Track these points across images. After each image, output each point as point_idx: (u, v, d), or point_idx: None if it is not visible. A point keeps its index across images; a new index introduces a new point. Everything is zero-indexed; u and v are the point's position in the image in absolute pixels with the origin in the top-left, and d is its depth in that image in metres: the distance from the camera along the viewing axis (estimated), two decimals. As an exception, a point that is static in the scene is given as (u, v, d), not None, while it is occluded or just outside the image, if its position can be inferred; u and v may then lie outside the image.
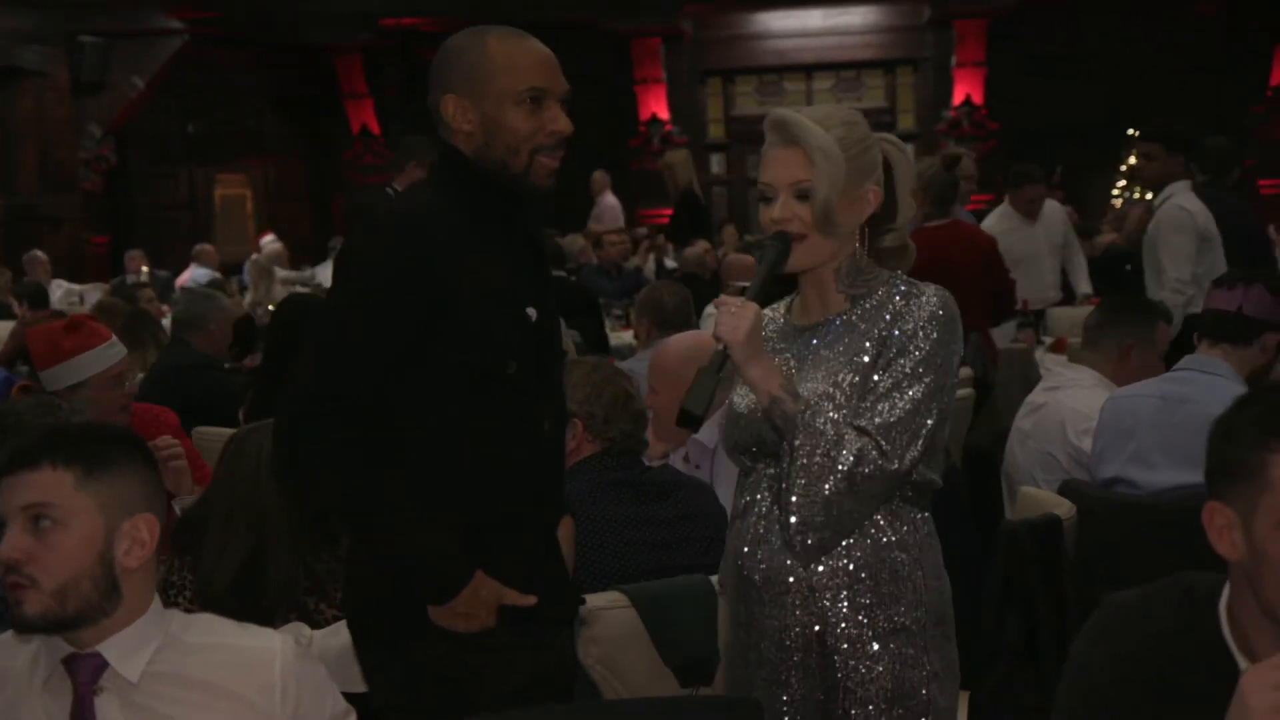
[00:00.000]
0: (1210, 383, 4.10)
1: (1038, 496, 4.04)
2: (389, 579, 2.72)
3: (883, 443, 2.55)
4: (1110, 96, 16.78)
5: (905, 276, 2.71)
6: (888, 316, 2.64)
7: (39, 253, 13.38)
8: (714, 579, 3.33)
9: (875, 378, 2.61)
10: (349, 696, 2.55)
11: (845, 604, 2.64)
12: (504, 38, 2.76)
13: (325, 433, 2.64)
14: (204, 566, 3.39)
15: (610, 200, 15.42)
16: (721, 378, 2.63)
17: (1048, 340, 7.78)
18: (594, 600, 3.21)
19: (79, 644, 2.29)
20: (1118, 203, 15.13)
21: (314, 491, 2.92)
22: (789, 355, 2.76)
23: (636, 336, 6.62)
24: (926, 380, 2.59)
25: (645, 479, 3.58)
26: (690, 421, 2.62)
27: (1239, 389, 3.94)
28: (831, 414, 2.60)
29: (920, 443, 2.58)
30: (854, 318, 2.69)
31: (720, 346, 2.63)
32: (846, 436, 2.56)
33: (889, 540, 2.65)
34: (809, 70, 18.54)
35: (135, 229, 16.84)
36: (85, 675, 2.28)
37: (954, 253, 6.63)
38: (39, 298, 10.17)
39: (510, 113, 2.72)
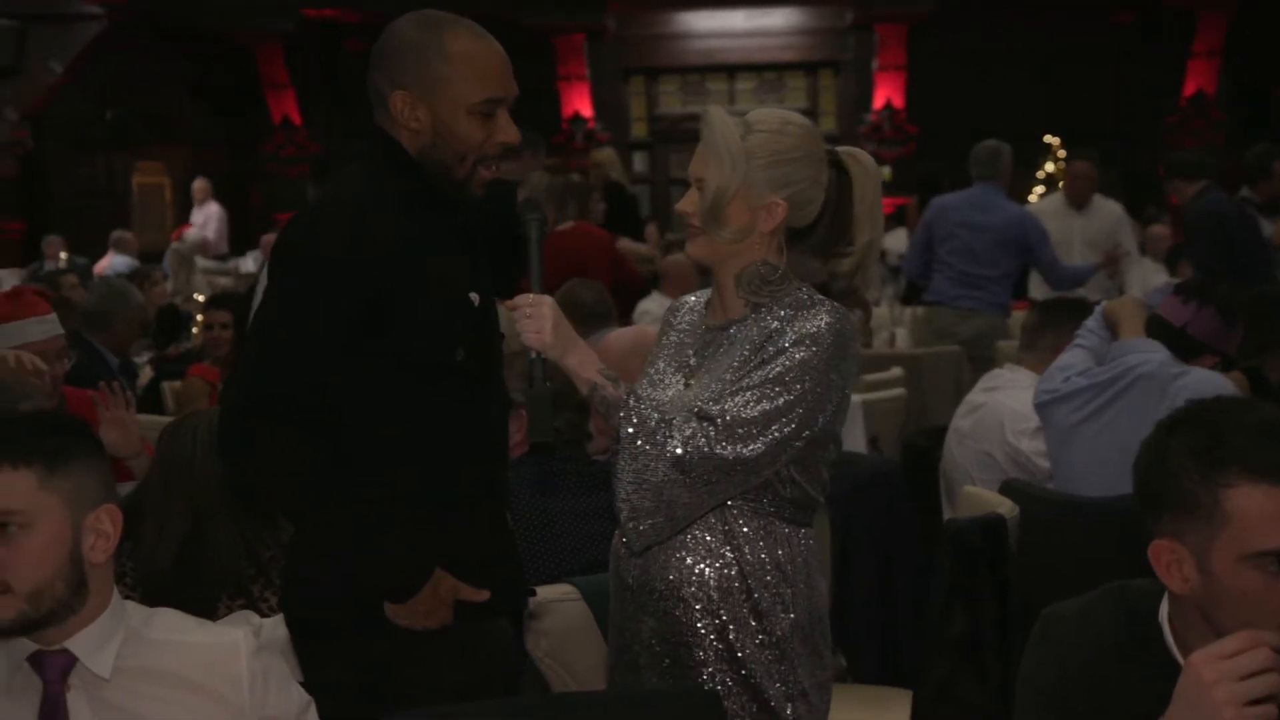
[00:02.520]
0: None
1: (980, 495, 4.03)
2: (336, 575, 2.67)
3: (719, 431, 2.52)
4: (1028, 103, 16.96)
5: (814, 292, 2.68)
6: (773, 327, 2.63)
7: (-49, 237, 13.18)
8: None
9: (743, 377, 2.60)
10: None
11: (715, 616, 2.64)
12: (460, 36, 2.70)
13: (275, 435, 2.59)
14: (143, 552, 3.36)
15: (213, 209, 15.57)
16: (549, 389, 2.65)
17: None
18: (544, 593, 3.19)
19: (44, 641, 2.23)
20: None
21: (266, 495, 2.89)
22: (691, 351, 2.76)
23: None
24: (795, 390, 2.55)
25: (593, 470, 3.55)
26: (545, 451, 2.63)
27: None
28: (663, 401, 2.60)
29: (762, 444, 2.53)
30: (749, 325, 2.67)
31: (532, 354, 2.65)
32: (675, 421, 2.55)
33: (764, 557, 2.64)
34: (732, 71, 18.56)
35: (51, 216, 16.55)
36: (54, 673, 2.22)
37: (587, 252, 7.14)
38: (-49, 281, 9.95)
39: (463, 121, 2.69)
